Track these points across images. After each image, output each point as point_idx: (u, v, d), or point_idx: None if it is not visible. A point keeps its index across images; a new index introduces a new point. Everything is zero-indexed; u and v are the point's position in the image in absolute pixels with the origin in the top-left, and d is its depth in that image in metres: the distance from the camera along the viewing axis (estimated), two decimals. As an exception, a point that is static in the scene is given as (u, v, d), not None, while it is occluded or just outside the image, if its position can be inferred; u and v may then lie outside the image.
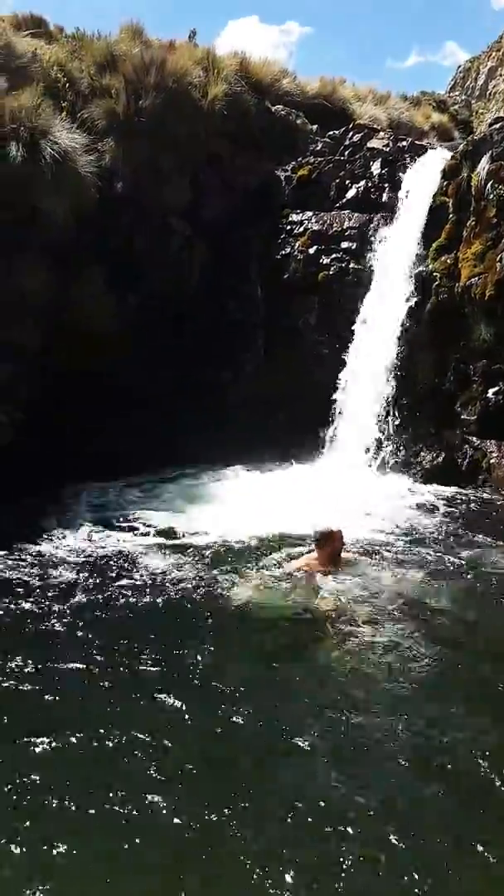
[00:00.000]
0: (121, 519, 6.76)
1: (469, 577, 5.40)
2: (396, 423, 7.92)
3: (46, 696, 3.86)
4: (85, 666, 4.13)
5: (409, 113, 13.75)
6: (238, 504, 7.05)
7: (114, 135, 9.03)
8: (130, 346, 8.77)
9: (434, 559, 5.64)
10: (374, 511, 6.70)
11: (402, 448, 7.86)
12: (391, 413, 7.99)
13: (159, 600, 4.98)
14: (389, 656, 4.24)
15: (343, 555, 5.37)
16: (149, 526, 6.54)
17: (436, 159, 8.98)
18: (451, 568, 5.51)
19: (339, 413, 8.17)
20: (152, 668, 4.13)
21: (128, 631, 4.57)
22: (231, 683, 3.94)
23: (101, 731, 3.53)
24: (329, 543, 5.23)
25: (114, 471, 7.89)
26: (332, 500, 6.70)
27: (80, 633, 4.52)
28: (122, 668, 4.15)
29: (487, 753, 3.36)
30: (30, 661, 4.13)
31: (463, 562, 5.60)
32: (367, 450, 7.91)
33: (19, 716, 3.71)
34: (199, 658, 4.21)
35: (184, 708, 3.74)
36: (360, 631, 4.53)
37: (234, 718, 3.65)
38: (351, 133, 9.77)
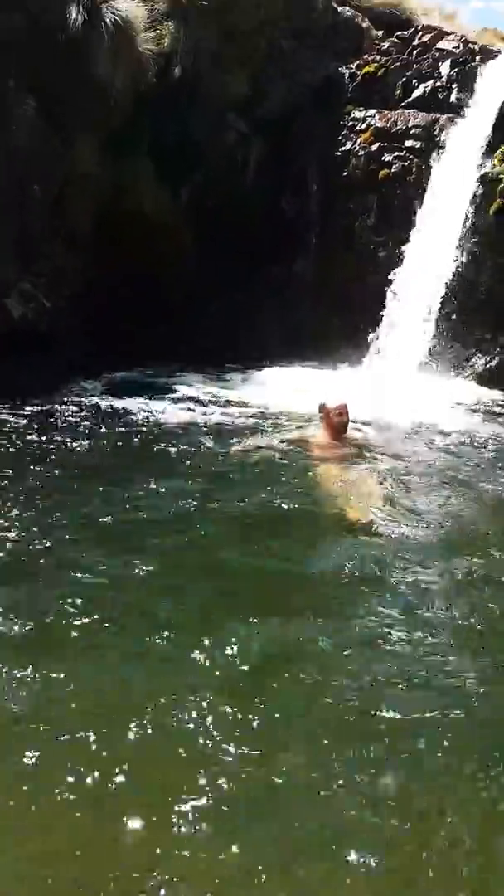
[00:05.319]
0: (161, 391, 6.96)
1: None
2: (451, 326, 7.66)
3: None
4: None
5: (476, 35, 13.21)
6: (280, 391, 6.99)
7: (175, 18, 8.70)
8: (182, 240, 8.58)
9: (458, 447, 5.53)
10: (415, 406, 6.51)
11: (454, 351, 7.62)
12: (446, 316, 7.73)
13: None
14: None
15: (351, 432, 5.17)
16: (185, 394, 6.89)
17: (508, 62, 8.58)
18: (476, 451, 5.39)
19: (392, 315, 7.92)
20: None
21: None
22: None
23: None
24: (333, 416, 4.98)
25: (158, 360, 7.86)
26: (377, 395, 6.57)
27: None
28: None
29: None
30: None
31: (491, 453, 5.42)
32: (419, 351, 7.67)
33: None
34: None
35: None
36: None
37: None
38: (420, 33, 9.36)
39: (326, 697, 2.55)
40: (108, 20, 7.25)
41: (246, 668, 2.66)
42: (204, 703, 2.45)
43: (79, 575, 3.26)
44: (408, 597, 3.21)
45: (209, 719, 2.39)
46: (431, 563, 3.54)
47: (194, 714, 2.41)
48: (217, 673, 2.62)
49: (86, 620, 2.91)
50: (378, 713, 2.48)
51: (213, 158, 8.85)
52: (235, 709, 2.44)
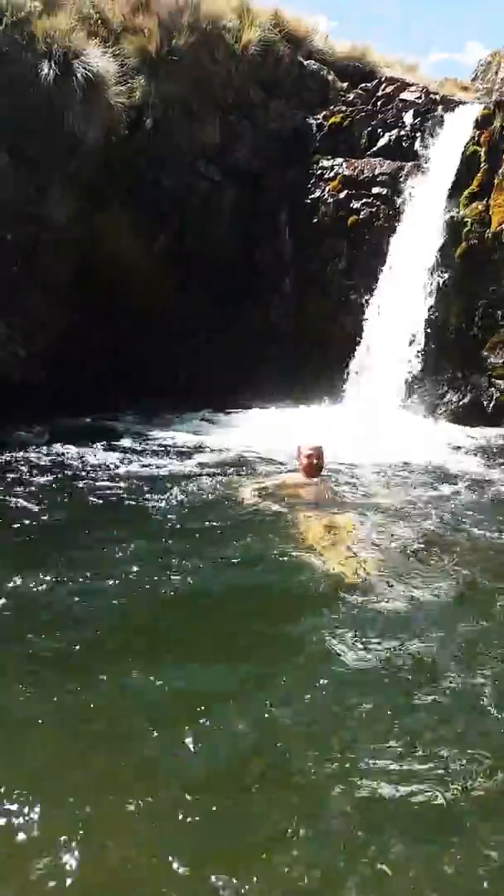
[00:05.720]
0: (135, 436, 6.95)
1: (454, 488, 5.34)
2: (422, 365, 7.80)
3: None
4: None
5: (437, 85, 13.72)
6: (257, 434, 7.02)
7: (145, 72, 8.92)
8: (160, 286, 8.67)
9: (433, 485, 5.56)
10: (392, 445, 6.59)
11: (427, 390, 7.73)
12: (417, 356, 7.87)
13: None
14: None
15: (328, 473, 5.26)
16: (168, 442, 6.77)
17: (468, 110, 8.91)
18: (452, 489, 5.44)
19: (366, 356, 8.05)
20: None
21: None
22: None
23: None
24: (308, 458, 5.04)
25: (134, 404, 7.87)
26: (353, 435, 6.65)
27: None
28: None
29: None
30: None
31: (466, 491, 5.47)
32: (393, 391, 7.78)
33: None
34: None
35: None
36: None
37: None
38: (383, 85, 9.69)
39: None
40: (79, 75, 7.41)
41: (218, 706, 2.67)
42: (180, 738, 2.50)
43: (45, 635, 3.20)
44: (382, 637, 3.20)
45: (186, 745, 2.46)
46: (399, 601, 3.54)
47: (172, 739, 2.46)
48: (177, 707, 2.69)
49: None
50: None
51: (188, 207, 9.01)
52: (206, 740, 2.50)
